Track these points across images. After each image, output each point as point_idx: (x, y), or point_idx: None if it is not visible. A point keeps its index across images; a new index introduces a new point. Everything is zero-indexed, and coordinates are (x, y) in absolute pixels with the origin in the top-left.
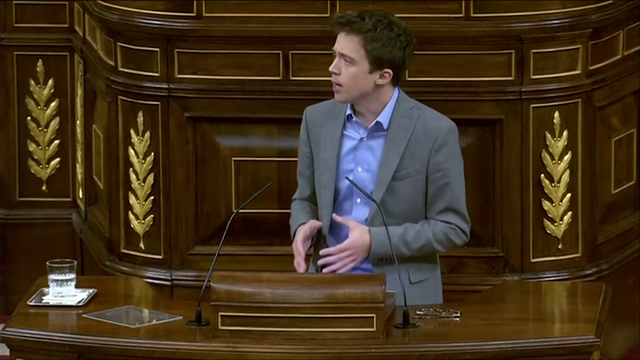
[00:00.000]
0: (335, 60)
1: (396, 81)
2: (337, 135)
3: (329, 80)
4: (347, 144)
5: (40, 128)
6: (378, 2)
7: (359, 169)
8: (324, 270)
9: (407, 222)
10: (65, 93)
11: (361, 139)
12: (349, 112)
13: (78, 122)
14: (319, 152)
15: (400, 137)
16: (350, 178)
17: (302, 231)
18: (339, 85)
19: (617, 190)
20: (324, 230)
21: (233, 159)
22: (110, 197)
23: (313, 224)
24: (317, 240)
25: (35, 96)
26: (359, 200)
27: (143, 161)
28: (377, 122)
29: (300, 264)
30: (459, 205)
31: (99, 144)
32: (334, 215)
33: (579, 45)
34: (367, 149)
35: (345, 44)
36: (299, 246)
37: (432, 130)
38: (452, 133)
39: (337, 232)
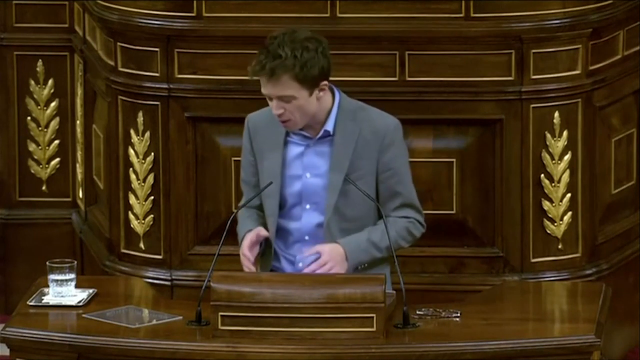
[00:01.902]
0: (274, 103)
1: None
2: (280, 142)
3: (329, 80)
4: (293, 150)
5: (40, 128)
6: (377, 2)
7: (308, 175)
8: None
9: (364, 224)
10: (65, 93)
11: (308, 145)
12: None
13: (78, 122)
14: (262, 161)
15: (347, 141)
16: (299, 185)
17: (249, 238)
18: (287, 120)
19: (617, 190)
20: (271, 238)
21: (233, 159)
22: (110, 197)
23: (260, 231)
24: (265, 249)
25: (35, 96)
26: (308, 206)
27: (143, 161)
28: (325, 131)
29: (250, 268)
30: (413, 199)
31: (99, 144)
32: (304, 252)
33: (579, 45)
34: (316, 154)
35: (278, 88)
36: (246, 252)
37: (379, 129)
38: (398, 130)
39: (284, 237)
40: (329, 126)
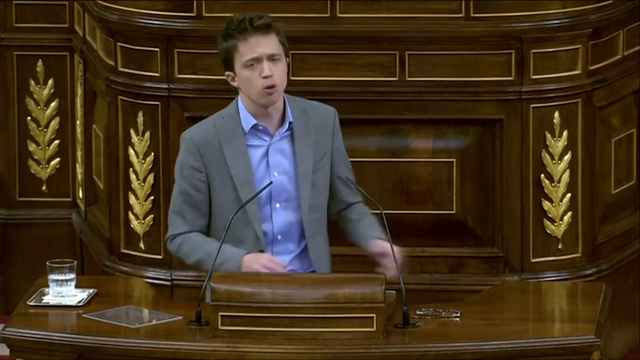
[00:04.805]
0: (266, 64)
1: None
2: (243, 149)
3: (329, 80)
4: (256, 153)
5: (40, 128)
6: (377, 2)
7: (275, 174)
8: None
9: (324, 212)
10: (65, 93)
11: (270, 144)
12: (252, 122)
13: (78, 122)
14: (225, 171)
15: (305, 132)
16: (268, 184)
17: (268, 258)
18: (274, 86)
19: (617, 190)
20: (263, 245)
21: None
22: (110, 197)
23: (276, 262)
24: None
25: (35, 96)
26: (278, 205)
27: (143, 161)
28: (289, 122)
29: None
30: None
31: (99, 144)
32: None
33: (579, 45)
34: (278, 152)
35: (271, 44)
36: (271, 261)
37: (327, 116)
38: (337, 115)
39: (268, 248)
40: (290, 117)
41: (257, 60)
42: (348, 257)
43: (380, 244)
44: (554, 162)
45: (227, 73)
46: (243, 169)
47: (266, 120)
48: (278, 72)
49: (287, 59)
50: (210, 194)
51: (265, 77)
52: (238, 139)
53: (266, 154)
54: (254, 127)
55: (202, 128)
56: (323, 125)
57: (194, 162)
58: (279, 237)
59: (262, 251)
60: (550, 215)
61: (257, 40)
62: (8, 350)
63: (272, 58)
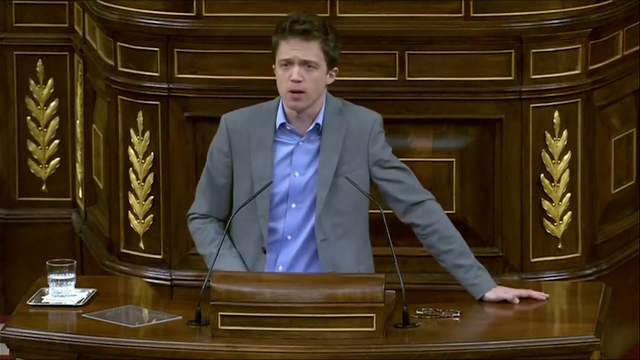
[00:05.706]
0: (297, 69)
1: None
2: (269, 144)
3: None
4: (282, 151)
5: (40, 128)
6: (377, 2)
7: (297, 174)
8: None
9: (356, 218)
10: (65, 93)
11: (298, 143)
12: (282, 120)
13: (78, 122)
14: (247, 162)
15: (336, 136)
16: (287, 184)
17: None
18: (301, 92)
19: (617, 190)
20: (265, 242)
21: None
22: (110, 197)
23: None
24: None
25: (35, 96)
26: (294, 205)
27: (143, 161)
28: (316, 124)
29: None
30: (415, 180)
31: (99, 144)
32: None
33: (579, 45)
34: (304, 153)
35: (308, 50)
36: None
37: (366, 123)
38: (381, 123)
39: (276, 247)
40: (320, 120)
41: (290, 62)
42: None
43: (505, 294)
44: (554, 162)
45: (273, 66)
46: (263, 164)
47: (297, 122)
48: (309, 80)
49: (332, 69)
50: (233, 182)
51: (293, 81)
52: (268, 133)
53: (291, 153)
54: (283, 126)
55: (239, 115)
56: (359, 132)
57: (223, 146)
58: (289, 237)
59: (264, 248)
60: (550, 215)
61: (296, 43)
62: (8, 350)
63: (306, 64)
